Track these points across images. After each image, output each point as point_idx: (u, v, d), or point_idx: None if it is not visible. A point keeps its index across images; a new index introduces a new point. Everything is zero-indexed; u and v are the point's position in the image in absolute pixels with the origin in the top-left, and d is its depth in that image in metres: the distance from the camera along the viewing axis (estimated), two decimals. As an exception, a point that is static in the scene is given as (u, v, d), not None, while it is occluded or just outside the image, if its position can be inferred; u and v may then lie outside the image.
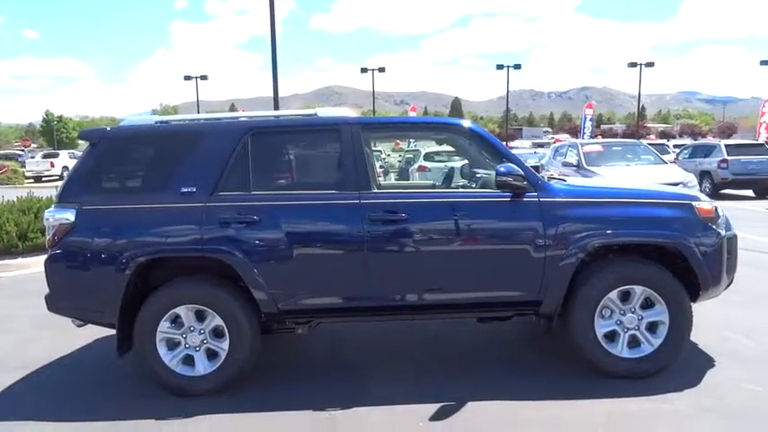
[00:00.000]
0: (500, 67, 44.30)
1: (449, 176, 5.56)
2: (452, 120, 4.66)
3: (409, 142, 24.06)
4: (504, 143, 4.59)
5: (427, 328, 5.29)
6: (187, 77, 44.17)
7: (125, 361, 4.16)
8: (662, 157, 13.77)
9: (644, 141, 19.93)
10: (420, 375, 4.28)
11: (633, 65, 41.46)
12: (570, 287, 4.03)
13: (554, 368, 4.32)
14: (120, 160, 4.26)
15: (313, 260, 4.01)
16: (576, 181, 5.72)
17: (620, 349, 4.06)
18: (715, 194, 15.56)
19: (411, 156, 19.86)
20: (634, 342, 4.08)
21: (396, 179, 16.55)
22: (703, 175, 16.88)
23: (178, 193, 3.99)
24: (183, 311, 3.98)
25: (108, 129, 4.25)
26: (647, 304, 4.09)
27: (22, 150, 46.21)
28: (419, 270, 4.02)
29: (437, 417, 3.62)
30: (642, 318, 4.07)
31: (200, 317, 4.01)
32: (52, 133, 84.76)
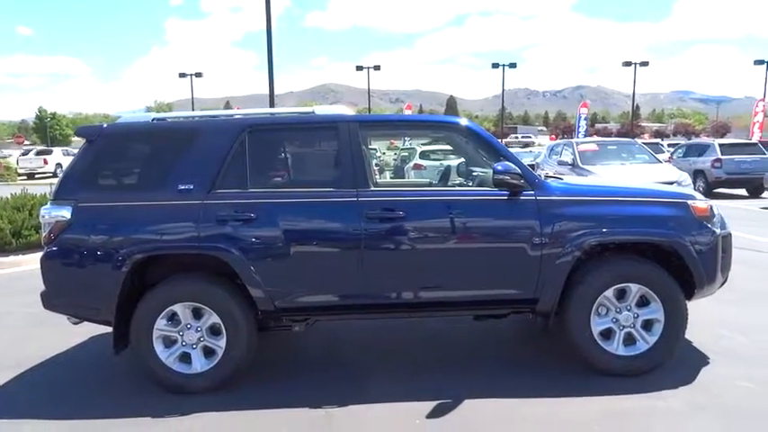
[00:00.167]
0: (495, 65, 44.36)
1: (446, 175, 5.56)
2: (449, 118, 4.67)
3: (404, 140, 24.10)
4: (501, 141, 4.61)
5: (424, 326, 5.30)
6: (182, 75, 44.06)
7: (121, 358, 4.15)
8: (656, 156, 13.83)
9: (638, 140, 19.98)
10: (417, 373, 4.29)
11: (628, 64, 41.63)
12: (566, 285, 4.04)
13: (550, 366, 4.34)
14: (116, 157, 4.25)
15: (310, 258, 4.01)
16: (572, 179, 5.74)
17: (616, 347, 4.08)
18: (709, 193, 15.63)
19: (406, 154, 19.88)
20: (629, 340, 4.10)
21: (391, 177, 16.57)
22: (697, 174, 16.96)
23: (175, 190, 3.98)
24: (180, 309, 3.97)
25: (105, 126, 4.24)
26: (643, 302, 4.11)
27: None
28: (416, 268, 4.03)
29: (434, 414, 3.63)
30: (638, 315, 4.09)
31: (197, 314, 4.01)
32: (45, 130, 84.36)
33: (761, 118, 32.11)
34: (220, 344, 3.99)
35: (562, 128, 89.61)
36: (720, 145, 17.49)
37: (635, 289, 4.06)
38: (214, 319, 3.98)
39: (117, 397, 4.00)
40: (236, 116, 4.52)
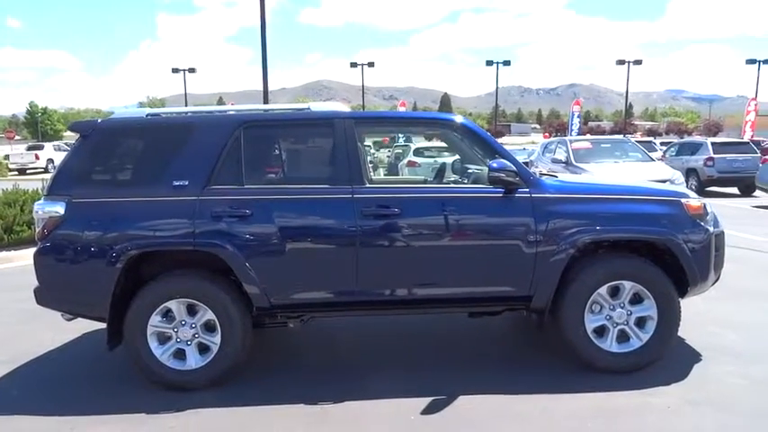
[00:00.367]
0: (489, 63, 44.45)
1: (440, 172, 5.57)
2: (445, 115, 4.67)
3: (398, 137, 24.09)
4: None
5: (419, 323, 5.31)
6: (175, 70, 43.85)
7: (115, 355, 4.14)
8: (649, 154, 13.89)
9: (631, 138, 20.06)
10: (412, 370, 4.30)
11: (621, 62, 41.78)
12: (561, 282, 4.06)
13: (544, 362, 4.36)
14: (110, 153, 4.23)
15: (305, 254, 4.01)
16: (566, 177, 5.75)
17: (610, 344, 4.10)
18: (701, 192, 15.71)
19: (400, 151, 19.90)
20: (623, 337, 4.13)
21: (385, 174, 16.58)
22: (689, 173, 17.05)
23: (170, 186, 3.96)
24: (175, 305, 3.96)
25: (99, 121, 4.21)
26: (636, 299, 4.13)
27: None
28: (411, 265, 4.04)
29: (429, 410, 3.64)
30: (631, 313, 4.12)
31: (192, 311, 4.00)
32: (37, 125, 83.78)
33: (753, 117, 32.33)
34: (215, 340, 3.98)
35: (555, 125, 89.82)
36: (713, 144, 17.58)
37: (628, 286, 4.09)
38: (209, 315, 3.97)
39: (111, 393, 3.99)
40: (231, 112, 4.51)
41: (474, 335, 5.08)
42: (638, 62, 42.34)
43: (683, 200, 4.23)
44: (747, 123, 32.43)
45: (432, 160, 15.64)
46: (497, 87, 45.77)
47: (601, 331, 4.12)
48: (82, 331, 5.13)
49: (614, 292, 4.12)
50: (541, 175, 4.57)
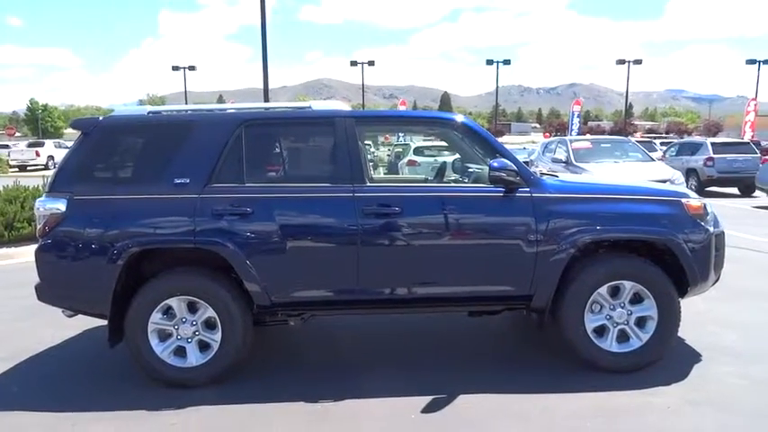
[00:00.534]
0: (490, 62, 44.44)
1: (441, 171, 5.57)
2: (445, 114, 4.67)
3: (398, 136, 24.10)
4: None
5: (419, 322, 5.32)
6: (175, 68, 43.83)
7: (116, 352, 4.14)
8: (649, 154, 13.89)
9: (632, 138, 20.06)
10: (412, 369, 4.30)
11: (621, 62, 41.78)
12: (561, 282, 4.06)
13: (544, 362, 4.37)
14: (112, 150, 4.24)
15: (306, 253, 4.01)
16: (567, 177, 5.75)
17: (610, 344, 4.11)
18: (701, 192, 15.70)
19: (400, 150, 19.90)
20: (623, 336, 4.13)
21: (385, 173, 16.58)
22: (689, 173, 17.05)
23: (171, 183, 3.96)
24: (176, 303, 3.97)
25: (101, 118, 4.21)
26: (637, 299, 4.14)
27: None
28: (412, 264, 4.04)
29: (429, 409, 3.65)
30: (631, 313, 4.12)
31: (193, 308, 4.00)
32: (37, 122, 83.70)
33: (753, 117, 32.33)
34: (216, 338, 3.98)
35: (555, 125, 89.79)
36: (713, 144, 17.59)
37: (629, 286, 4.09)
38: (209, 313, 3.97)
39: (112, 390, 4.00)
40: (231, 110, 4.51)
41: (474, 334, 5.08)
42: (638, 62, 42.33)
43: (683, 200, 4.24)
44: (747, 123, 32.44)
45: (432, 159, 15.65)
46: (497, 86, 45.77)
47: (601, 331, 4.13)
48: (83, 328, 5.13)
49: (614, 292, 4.12)
50: (542, 174, 4.57)
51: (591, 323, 4.10)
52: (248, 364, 4.20)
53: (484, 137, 4.38)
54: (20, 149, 34.26)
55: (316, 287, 4.08)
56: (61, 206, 3.95)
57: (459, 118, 4.47)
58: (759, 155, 17.07)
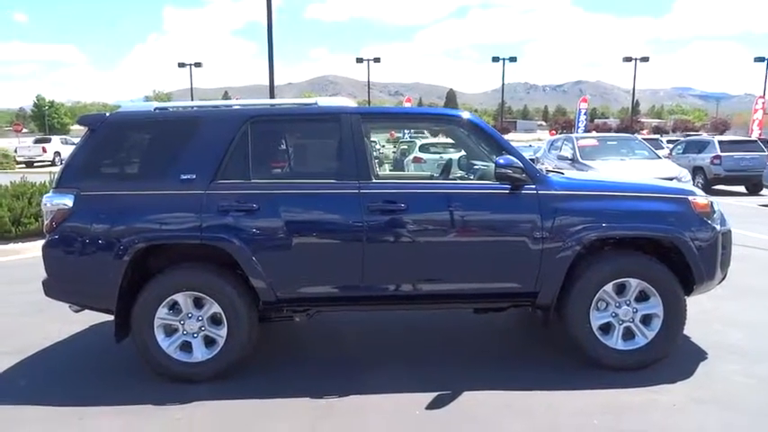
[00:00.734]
0: (496, 59, 44.32)
1: (447, 168, 5.57)
2: (452, 111, 4.67)
3: (404, 133, 24.08)
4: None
5: (425, 318, 5.32)
6: (181, 64, 43.95)
7: (122, 347, 4.16)
8: (656, 152, 13.83)
9: (638, 136, 19.98)
10: (417, 365, 4.31)
11: (628, 59, 41.59)
12: (566, 279, 4.06)
13: (549, 359, 4.37)
14: (119, 146, 4.25)
15: (312, 249, 4.02)
16: (573, 174, 5.74)
17: (615, 341, 4.10)
18: (707, 190, 15.59)
19: (406, 147, 19.89)
20: (629, 334, 4.13)
21: (390, 170, 16.58)
22: (696, 171, 16.96)
23: (177, 179, 3.98)
24: (182, 298, 3.98)
25: (107, 114, 4.23)
26: (642, 297, 4.13)
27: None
28: (418, 260, 4.04)
29: (433, 405, 3.65)
30: (637, 310, 4.11)
31: (199, 304, 4.02)
32: (44, 118, 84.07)
33: (760, 115, 32.12)
34: (221, 333, 4.00)
35: (561, 123, 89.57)
36: (720, 142, 17.49)
37: (634, 284, 4.08)
38: (215, 308, 3.99)
39: (118, 385, 4.02)
40: (238, 106, 4.51)
41: (479, 331, 5.08)
42: (645, 59, 42.13)
43: (690, 197, 4.22)
44: (755, 122, 32.23)
45: (437, 156, 15.64)
46: (503, 84, 45.65)
47: (606, 328, 4.12)
48: (89, 323, 5.16)
49: (620, 290, 4.11)
50: (548, 171, 4.56)
51: (596, 320, 4.09)
52: (253, 359, 4.22)
53: (490, 134, 4.37)
54: (26, 146, 34.40)
55: (321, 283, 4.08)
56: (68, 202, 3.97)
57: (466, 115, 4.46)
58: (766, 153, 16.96)
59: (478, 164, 4.73)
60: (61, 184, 4.07)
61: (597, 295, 4.07)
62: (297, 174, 4.57)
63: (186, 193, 3.97)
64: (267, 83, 17.41)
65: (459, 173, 5.32)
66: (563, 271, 4.04)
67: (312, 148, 4.87)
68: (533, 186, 4.06)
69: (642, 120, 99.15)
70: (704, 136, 25.71)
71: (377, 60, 45.09)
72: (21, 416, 3.64)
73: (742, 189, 17.08)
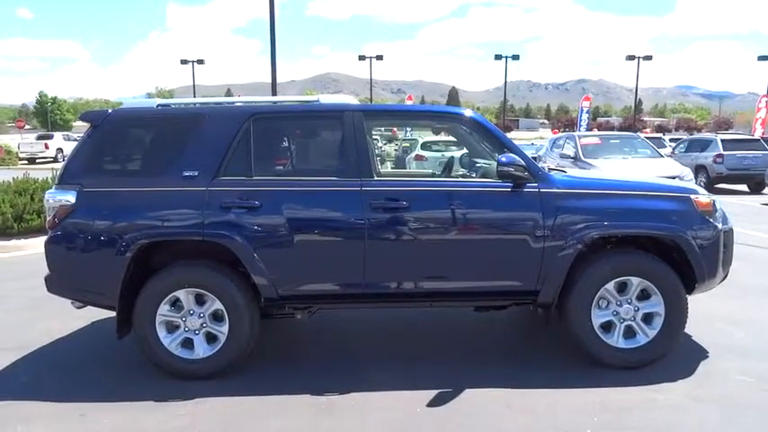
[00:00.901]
0: (498, 57, 44.25)
1: (448, 166, 5.57)
2: (454, 109, 4.66)
3: (405, 131, 24.07)
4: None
5: (426, 316, 5.33)
6: (184, 61, 43.93)
7: (124, 343, 4.18)
8: (659, 150, 13.81)
9: (641, 135, 19.95)
10: (418, 362, 4.31)
11: (631, 58, 41.48)
12: (568, 277, 4.06)
13: (550, 357, 4.37)
14: (121, 143, 4.26)
15: (313, 246, 4.02)
16: (575, 173, 5.74)
17: (616, 339, 4.10)
18: (710, 189, 15.57)
19: (408, 145, 19.88)
20: (630, 333, 4.13)
21: (392, 168, 16.57)
22: (699, 170, 16.93)
23: (180, 176, 3.98)
24: (183, 295, 3.99)
25: (110, 111, 4.24)
26: (644, 295, 4.13)
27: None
28: (419, 258, 4.05)
29: (434, 403, 3.66)
30: (638, 309, 4.11)
31: (200, 301, 4.03)
32: (46, 114, 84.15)
33: (764, 114, 32.03)
34: (223, 330, 4.01)
35: (564, 121, 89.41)
36: (723, 140, 17.45)
37: (636, 282, 4.08)
38: (217, 305, 3.99)
39: (120, 381, 4.03)
40: (240, 103, 4.52)
41: (480, 329, 5.09)
42: (648, 58, 42.01)
43: (692, 196, 4.22)
44: (758, 120, 32.14)
45: (439, 154, 15.63)
46: (506, 82, 45.57)
47: (608, 327, 4.12)
48: (91, 319, 5.18)
49: (622, 288, 4.11)
50: (550, 170, 4.56)
51: (598, 319, 4.09)
52: (254, 356, 4.23)
53: (492, 132, 4.37)
54: (29, 142, 34.45)
55: (323, 280, 4.09)
56: (71, 198, 3.98)
57: (468, 113, 4.46)
58: (770, 152, 16.92)
59: (481, 162, 4.73)
60: (64, 181, 4.08)
61: (599, 293, 4.07)
62: (299, 171, 4.57)
63: (188, 190, 3.98)
64: (270, 80, 17.43)
65: (462, 171, 5.32)
66: (565, 269, 4.03)
67: (314, 146, 4.87)
68: (535, 184, 4.06)
69: (645, 118, 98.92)
70: (707, 135, 25.62)
71: (379, 58, 45.05)
72: (22, 412, 3.65)
73: (744, 188, 17.06)
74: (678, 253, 4.12)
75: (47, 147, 33.03)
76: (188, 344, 4.04)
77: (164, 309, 3.99)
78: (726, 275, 4.39)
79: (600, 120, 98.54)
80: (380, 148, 22.75)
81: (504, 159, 3.95)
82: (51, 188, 4.20)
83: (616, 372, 4.02)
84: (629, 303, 4.11)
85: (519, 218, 4.05)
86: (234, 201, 3.95)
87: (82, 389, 3.93)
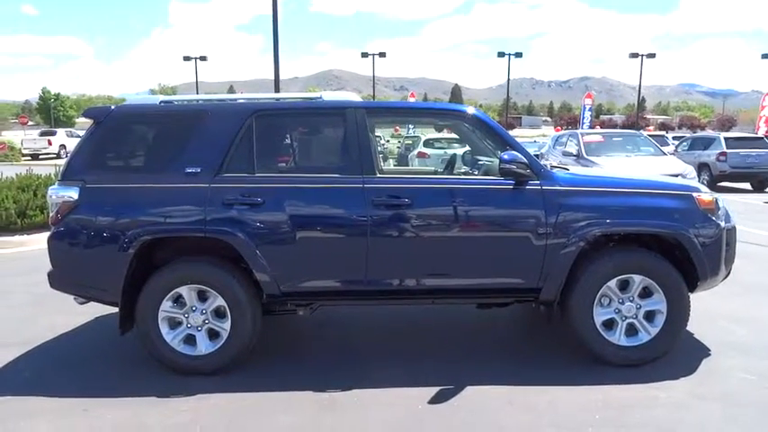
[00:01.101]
0: (501, 54, 44.17)
1: (451, 163, 5.57)
2: (457, 106, 4.66)
3: (408, 128, 24.06)
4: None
5: (427, 313, 5.33)
6: (186, 58, 43.91)
7: (126, 339, 4.19)
8: (661, 148, 13.77)
9: (644, 132, 19.91)
10: (420, 359, 4.32)
11: (634, 55, 41.36)
12: (570, 275, 4.06)
13: (552, 355, 4.37)
14: (124, 139, 4.26)
15: (316, 243, 4.03)
16: (578, 170, 5.73)
17: (618, 337, 4.10)
18: (713, 187, 15.55)
19: (410, 142, 19.88)
20: (632, 330, 4.13)
21: (395, 165, 16.58)
22: (702, 168, 16.89)
23: (182, 173, 3.99)
24: (186, 291, 4.00)
25: (113, 107, 4.24)
26: (646, 293, 4.12)
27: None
28: (422, 255, 4.05)
29: (436, 400, 3.67)
30: (640, 307, 4.11)
31: (203, 297, 4.04)
32: (49, 111, 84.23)
33: (767, 112, 31.92)
34: (225, 326, 4.02)
35: (567, 118, 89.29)
36: (726, 138, 17.40)
37: (638, 280, 4.08)
38: (219, 302, 4.00)
39: (122, 376, 4.05)
40: (243, 100, 4.52)
41: (482, 326, 5.09)
42: (651, 55, 41.90)
43: (694, 194, 4.21)
44: (762, 119, 32.04)
45: (442, 152, 15.63)
46: (509, 79, 45.50)
47: (609, 324, 4.12)
48: (94, 315, 5.19)
49: (624, 286, 4.11)
50: (552, 167, 4.56)
51: (600, 316, 4.09)
52: (257, 352, 4.24)
53: (495, 129, 4.37)
54: (32, 138, 34.51)
55: (325, 277, 4.09)
56: (73, 194, 3.99)
57: (471, 110, 4.46)
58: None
59: (483, 159, 4.73)
60: (66, 177, 4.09)
61: (601, 291, 4.07)
62: (301, 168, 4.58)
63: (191, 187, 3.98)
64: (272, 77, 17.43)
65: (464, 168, 5.32)
66: (567, 267, 4.04)
67: (317, 143, 4.87)
68: (537, 182, 4.06)
69: (648, 116, 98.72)
70: (710, 132, 25.56)
71: (382, 55, 44.98)
72: (26, 407, 3.66)
73: (747, 186, 17.02)
74: (680, 251, 4.11)
75: (50, 143, 33.08)
76: (190, 340, 4.05)
77: (166, 305, 4.00)
78: (728, 273, 4.39)
79: (603, 117, 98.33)
80: (383, 145, 22.75)
81: (506, 157, 3.95)
82: (54, 184, 4.21)
83: (618, 369, 4.02)
84: (632, 301, 4.11)
85: (521, 215, 4.05)
86: (236, 197, 3.96)
87: (85, 384, 3.94)
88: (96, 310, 4.87)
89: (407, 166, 15.81)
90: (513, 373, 4.04)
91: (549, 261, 4.02)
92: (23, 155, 32.48)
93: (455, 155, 5.82)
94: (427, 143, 17.21)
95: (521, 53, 44.95)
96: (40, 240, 7.83)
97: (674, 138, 27.76)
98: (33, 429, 3.41)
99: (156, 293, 3.98)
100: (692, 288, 4.18)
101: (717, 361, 4.22)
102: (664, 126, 74.22)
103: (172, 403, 3.66)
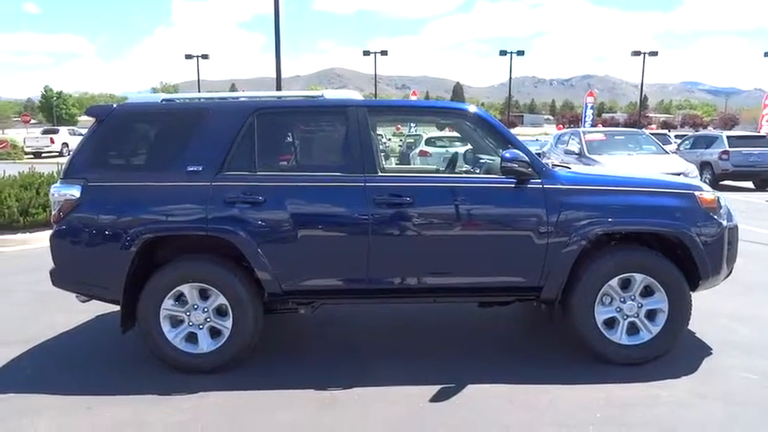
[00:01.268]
0: (503, 53, 44.06)
1: (452, 161, 5.57)
2: (458, 104, 4.65)
3: (410, 127, 24.05)
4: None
5: (429, 312, 5.33)
6: (188, 56, 43.87)
7: (128, 337, 4.20)
8: (664, 147, 13.75)
9: (646, 131, 19.87)
10: (421, 358, 4.32)
11: (637, 54, 41.28)
12: (571, 274, 4.06)
13: (553, 353, 4.37)
14: (126, 137, 4.26)
15: (317, 242, 4.03)
16: (579, 169, 5.73)
17: (620, 336, 4.10)
18: (715, 185, 15.55)
19: (412, 140, 19.87)
20: (633, 329, 4.12)
21: (397, 163, 16.57)
22: (704, 166, 16.86)
23: (184, 171, 3.99)
24: (187, 289, 4.00)
25: (115, 106, 4.25)
26: (647, 292, 4.12)
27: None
28: (423, 254, 4.05)
29: (437, 398, 3.67)
30: (642, 305, 4.11)
31: (204, 295, 4.04)
32: (51, 109, 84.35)
33: (770, 111, 31.82)
34: (227, 325, 4.02)
35: (569, 117, 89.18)
36: (728, 137, 17.36)
37: (639, 279, 4.08)
38: (221, 300, 4.01)
39: (124, 374, 4.06)
40: (244, 99, 4.53)
41: (483, 324, 5.09)
42: (653, 53, 41.82)
43: (696, 193, 4.21)
44: (764, 117, 31.98)
45: (443, 150, 15.62)
46: (511, 77, 45.43)
47: (611, 323, 4.12)
48: (96, 313, 5.20)
49: (625, 285, 4.11)
50: (554, 166, 4.56)
51: (601, 315, 4.09)
52: (258, 351, 4.24)
53: (496, 128, 4.36)
54: (34, 136, 34.56)
55: (326, 276, 4.10)
56: (76, 192, 3.99)
57: (472, 108, 4.46)
58: (776, 148, 16.82)
59: (484, 158, 4.72)
60: (69, 175, 4.09)
61: (602, 290, 4.06)
62: (303, 166, 4.58)
63: (192, 185, 3.99)
64: (274, 75, 17.42)
65: (465, 166, 5.32)
66: (568, 265, 4.03)
67: (318, 141, 4.87)
68: (539, 180, 4.06)
69: (650, 115, 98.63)
70: (712, 131, 25.52)
71: (384, 53, 44.93)
72: (28, 404, 3.67)
73: (750, 185, 16.98)
74: (682, 250, 4.11)
75: (52, 141, 33.12)
76: (192, 338, 4.05)
77: (168, 303, 4.00)
78: (730, 272, 4.38)
79: (605, 116, 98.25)
80: (384, 144, 22.74)
81: (507, 155, 3.95)
82: (56, 182, 4.22)
83: (619, 368, 4.02)
84: (633, 300, 4.11)
85: (523, 214, 4.05)
86: (238, 196, 3.96)
87: (86, 382, 3.95)
88: (98, 308, 4.88)
89: (409, 164, 15.81)
90: (514, 372, 4.04)
91: (550, 260, 4.02)
92: (26, 153, 32.52)
93: (457, 153, 5.81)
94: (429, 142, 17.20)
95: (522, 51, 44.84)
96: (42, 238, 7.85)
97: (676, 136, 27.74)
98: (35, 427, 3.42)
99: (157, 292, 3.99)
100: (694, 287, 4.18)
101: (718, 360, 4.22)
102: (666, 124, 74.09)
103: (173, 401, 3.67)
